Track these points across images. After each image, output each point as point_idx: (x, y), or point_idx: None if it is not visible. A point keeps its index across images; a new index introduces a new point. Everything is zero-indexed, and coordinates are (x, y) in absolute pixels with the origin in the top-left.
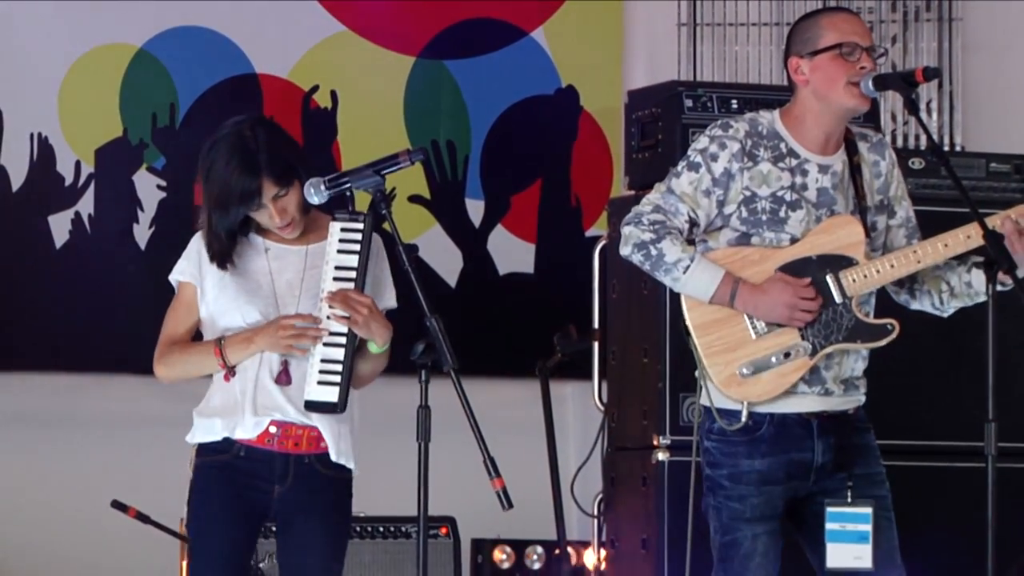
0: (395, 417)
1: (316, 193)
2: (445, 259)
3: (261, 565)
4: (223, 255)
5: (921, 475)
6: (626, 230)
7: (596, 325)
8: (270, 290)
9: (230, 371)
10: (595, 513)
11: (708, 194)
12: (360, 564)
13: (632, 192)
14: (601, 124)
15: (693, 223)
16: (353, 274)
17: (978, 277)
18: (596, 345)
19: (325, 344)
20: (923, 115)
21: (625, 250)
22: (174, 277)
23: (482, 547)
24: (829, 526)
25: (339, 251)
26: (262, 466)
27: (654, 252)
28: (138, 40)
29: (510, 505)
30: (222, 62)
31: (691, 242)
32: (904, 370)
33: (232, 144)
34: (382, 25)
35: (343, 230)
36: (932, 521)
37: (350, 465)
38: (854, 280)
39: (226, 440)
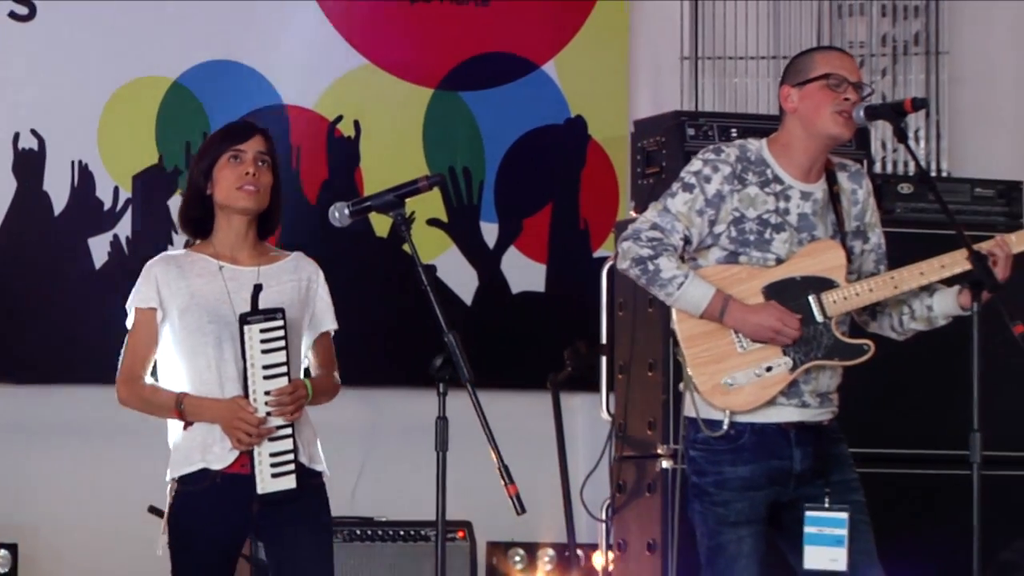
0: (415, 428)
1: (340, 217)
2: (461, 278)
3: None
4: (195, 221)
5: (909, 482)
6: (624, 245)
7: (604, 341)
8: (229, 309)
9: (189, 423)
10: (603, 517)
11: (701, 213)
12: (382, 566)
13: (637, 215)
14: (608, 152)
15: (687, 241)
16: (284, 369)
17: (940, 302)
18: (604, 359)
19: (271, 439)
20: (911, 143)
21: (623, 264)
22: (133, 304)
23: (497, 550)
24: (807, 529)
25: (263, 351)
26: (239, 489)
27: (651, 267)
28: (173, 73)
29: (523, 510)
30: (252, 94)
31: (683, 259)
32: (895, 382)
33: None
34: (402, 59)
35: (262, 331)
36: (919, 526)
37: (321, 468)
38: (834, 301)
39: (203, 471)
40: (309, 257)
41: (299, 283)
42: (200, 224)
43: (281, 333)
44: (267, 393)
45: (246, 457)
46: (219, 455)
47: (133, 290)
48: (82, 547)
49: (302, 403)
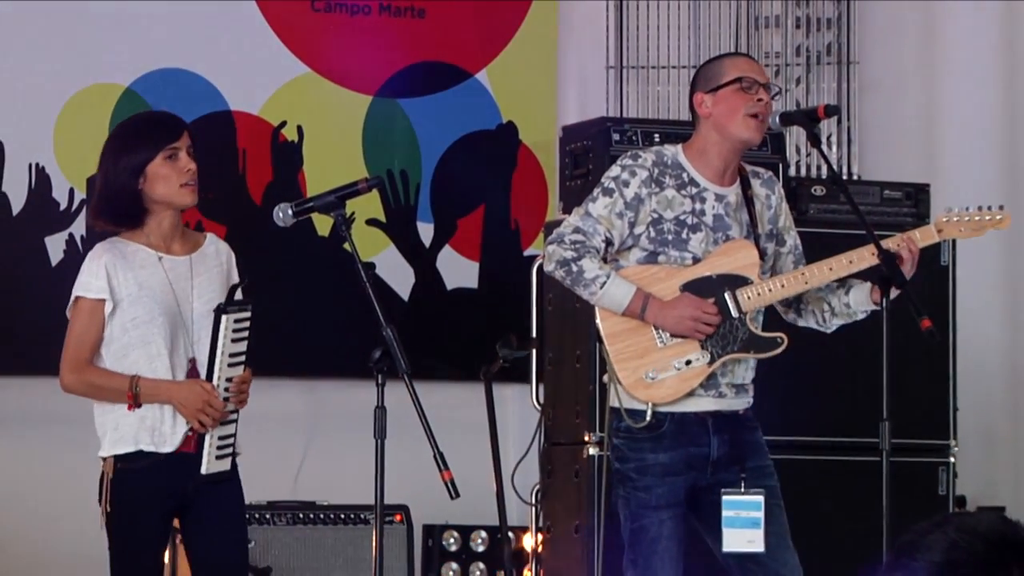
0: (355, 417)
1: (284, 217)
2: (399, 276)
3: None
4: (126, 217)
5: (822, 468)
6: (550, 248)
7: (534, 334)
8: (173, 299)
9: (137, 405)
10: (533, 502)
11: (621, 216)
12: (323, 548)
13: (565, 216)
14: (537, 155)
15: (608, 242)
16: (243, 358)
17: (855, 298)
18: (534, 352)
19: (221, 423)
20: (824, 147)
21: (549, 267)
22: (82, 293)
23: (432, 532)
24: (725, 513)
25: (233, 340)
26: (182, 467)
27: (575, 269)
28: (125, 80)
29: (457, 495)
30: (200, 100)
31: (605, 260)
32: (809, 374)
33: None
34: (343, 67)
35: (236, 321)
36: (831, 509)
37: (240, 450)
38: (749, 297)
39: (151, 452)
40: (237, 251)
41: (221, 267)
42: (130, 219)
43: (248, 324)
44: (228, 380)
45: (192, 437)
46: (168, 437)
47: (80, 278)
48: (25, 536)
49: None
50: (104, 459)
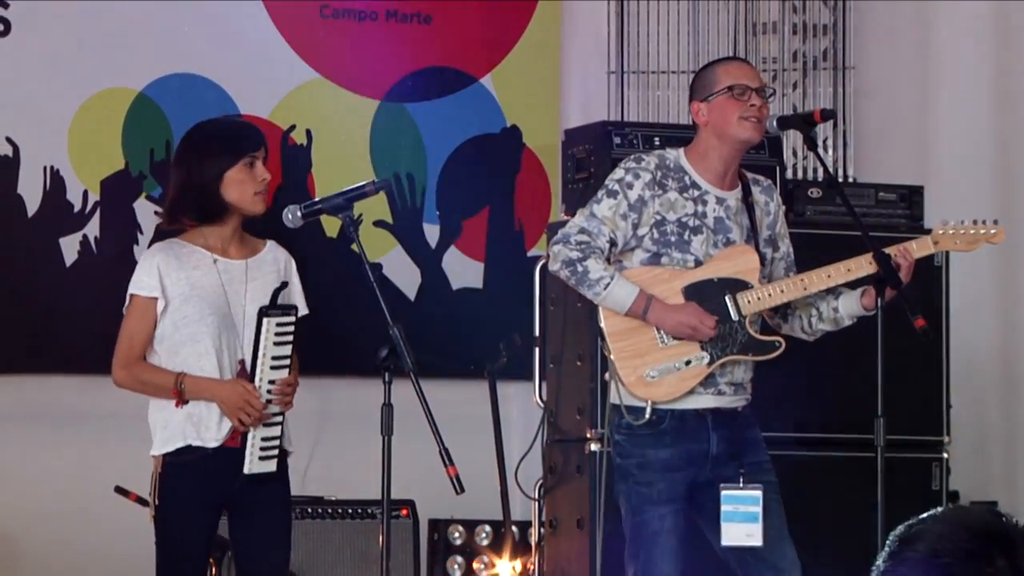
0: (362, 414)
1: (293, 218)
2: (405, 276)
3: None
4: (205, 214)
5: (818, 464)
6: (555, 248)
7: (537, 333)
8: (224, 300)
9: (183, 402)
10: (536, 496)
11: (625, 217)
12: (331, 542)
13: (568, 218)
14: (541, 159)
15: (612, 243)
16: (288, 362)
17: (844, 305)
18: (537, 351)
19: (265, 424)
20: (820, 151)
21: (554, 266)
22: (135, 291)
23: (438, 526)
24: (724, 507)
25: (275, 343)
26: (229, 461)
27: (580, 269)
28: (138, 85)
29: (462, 490)
30: (211, 104)
31: (609, 261)
32: (806, 372)
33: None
34: (351, 72)
35: (279, 324)
36: (828, 503)
37: (292, 448)
38: (749, 301)
39: (196, 446)
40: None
41: (278, 273)
42: (212, 216)
43: (292, 328)
44: (271, 382)
45: (238, 432)
46: (213, 433)
47: (134, 277)
48: (50, 529)
49: (295, 387)
50: (154, 457)
